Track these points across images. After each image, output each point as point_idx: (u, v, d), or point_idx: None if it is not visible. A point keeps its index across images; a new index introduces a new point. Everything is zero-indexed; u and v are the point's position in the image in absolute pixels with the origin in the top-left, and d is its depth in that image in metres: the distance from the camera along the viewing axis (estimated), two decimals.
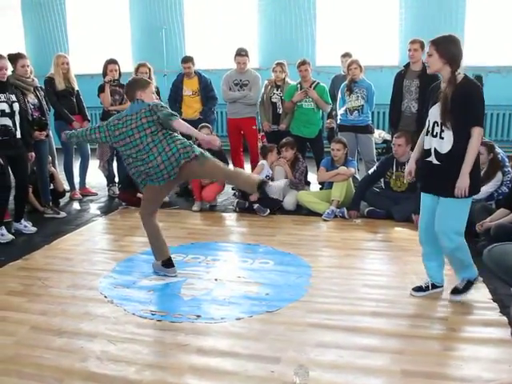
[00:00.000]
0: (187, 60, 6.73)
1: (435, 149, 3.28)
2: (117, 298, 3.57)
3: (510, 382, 1.43)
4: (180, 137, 3.85)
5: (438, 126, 3.25)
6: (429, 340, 2.95)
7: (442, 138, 3.23)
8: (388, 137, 8.90)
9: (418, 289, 3.57)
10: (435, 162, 3.30)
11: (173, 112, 3.82)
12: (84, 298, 3.58)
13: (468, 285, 3.49)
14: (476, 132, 3.16)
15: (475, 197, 4.72)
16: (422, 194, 3.51)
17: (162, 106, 3.80)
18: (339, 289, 3.69)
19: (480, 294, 3.54)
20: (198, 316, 3.29)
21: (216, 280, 3.89)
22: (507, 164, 5.05)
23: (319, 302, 3.47)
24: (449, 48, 3.21)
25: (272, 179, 6.18)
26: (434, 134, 3.27)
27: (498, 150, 5.06)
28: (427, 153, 3.36)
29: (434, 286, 3.57)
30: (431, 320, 3.19)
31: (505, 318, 3.16)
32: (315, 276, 3.95)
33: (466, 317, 3.22)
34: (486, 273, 3.82)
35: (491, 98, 8.08)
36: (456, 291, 3.49)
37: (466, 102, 3.16)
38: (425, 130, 3.41)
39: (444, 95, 3.20)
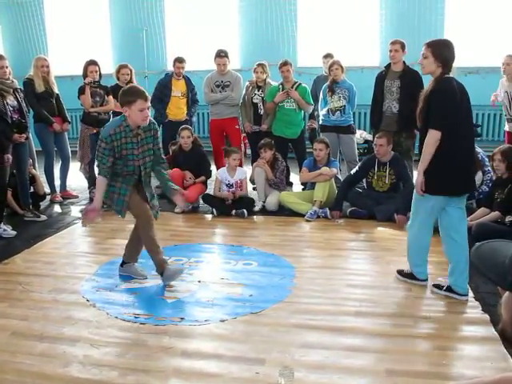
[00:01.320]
0: (182, 60, 6.81)
1: None
2: (99, 302, 3.53)
3: (492, 380, 1.44)
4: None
5: None
6: (412, 339, 2.97)
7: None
8: (369, 137, 8.95)
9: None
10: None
11: (102, 168, 3.64)
12: (66, 302, 3.53)
13: (409, 275, 3.74)
14: (430, 134, 3.29)
15: None
16: None
17: (101, 152, 3.59)
18: (323, 289, 3.70)
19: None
20: (182, 318, 3.27)
21: (199, 282, 3.87)
22: (487, 164, 5.12)
23: (303, 302, 3.48)
24: (444, 52, 3.32)
25: (253, 181, 6.20)
26: None
27: (478, 149, 5.12)
28: None
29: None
30: (414, 319, 3.21)
31: (487, 316, 3.20)
32: (299, 277, 3.95)
33: (449, 315, 3.25)
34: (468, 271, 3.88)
35: (470, 98, 8.24)
36: (400, 272, 3.82)
37: (428, 102, 3.30)
38: None
39: (424, 92, 3.34)
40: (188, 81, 6.90)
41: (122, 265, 4.02)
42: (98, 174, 3.72)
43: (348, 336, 3.01)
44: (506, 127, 6.06)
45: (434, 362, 2.73)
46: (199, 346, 2.94)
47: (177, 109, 6.80)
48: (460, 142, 3.34)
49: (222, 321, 3.23)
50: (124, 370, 2.69)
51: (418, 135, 5.95)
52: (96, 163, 3.72)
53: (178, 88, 6.81)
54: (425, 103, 3.31)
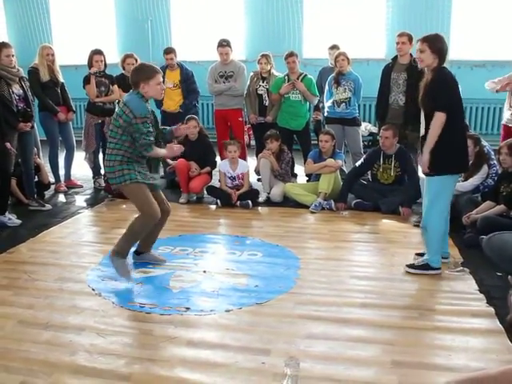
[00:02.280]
0: (170, 51, 6.69)
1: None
2: (105, 291, 3.54)
3: (497, 372, 1.44)
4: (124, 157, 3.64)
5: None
6: (418, 331, 2.97)
7: (420, 122, 3.68)
8: (374, 129, 8.94)
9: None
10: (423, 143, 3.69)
11: (150, 141, 3.61)
12: (71, 291, 3.54)
13: (424, 266, 3.77)
14: (436, 116, 3.50)
15: (460, 189, 4.81)
16: None
17: (145, 130, 3.55)
18: (328, 280, 3.70)
19: (467, 285, 3.58)
20: (188, 308, 3.27)
21: (204, 272, 3.87)
22: (493, 157, 5.10)
23: (308, 293, 3.48)
24: (439, 45, 3.58)
25: (258, 172, 6.19)
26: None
27: (484, 143, 5.10)
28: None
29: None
30: (420, 311, 3.20)
31: (492, 309, 3.19)
32: (303, 268, 3.95)
33: (454, 308, 3.24)
34: (472, 264, 3.89)
35: (476, 91, 8.20)
36: (411, 265, 3.82)
37: (432, 88, 3.55)
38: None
39: (424, 81, 3.61)
40: (182, 71, 6.73)
41: (137, 253, 4.03)
42: (146, 150, 3.62)
43: (353, 327, 3.01)
44: (505, 120, 5.84)
45: (439, 354, 2.73)
46: (204, 336, 2.94)
47: (169, 100, 6.68)
48: (462, 125, 3.71)
49: (228, 311, 3.24)
50: (130, 359, 2.69)
51: None
52: (144, 146, 3.60)
53: (171, 79, 6.68)
54: (425, 91, 3.57)
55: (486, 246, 3.08)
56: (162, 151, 3.90)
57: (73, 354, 2.74)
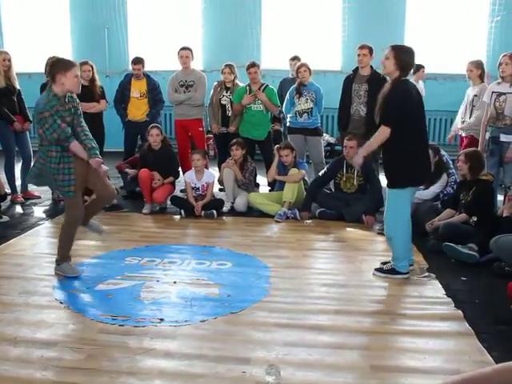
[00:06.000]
0: (138, 61, 6.61)
1: None
2: (73, 304, 3.44)
3: (491, 371, 1.49)
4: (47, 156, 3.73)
5: None
6: (392, 335, 3.04)
7: None
8: (332, 140, 9.11)
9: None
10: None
11: (65, 136, 3.65)
12: (38, 305, 3.41)
13: (391, 271, 3.90)
14: (381, 129, 3.65)
15: (421, 197, 4.96)
16: None
17: (50, 123, 3.61)
18: (299, 288, 3.73)
19: (434, 289, 3.70)
20: (162, 319, 3.22)
21: (175, 283, 3.82)
22: (451, 166, 5.30)
23: (281, 301, 3.49)
24: (404, 57, 3.63)
25: (221, 182, 6.18)
26: None
27: (443, 153, 5.30)
28: None
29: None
30: (391, 316, 3.28)
31: (460, 312, 3.31)
32: (274, 276, 3.96)
33: (424, 312, 3.33)
34: (437, 270, 4.01)
35: (427, 103, 8.51)
36: (380, 269, 3.96)
37: (383, 101, 3.66)
38: None
39: (381, 92, 3.67)
40: (149, 81, 6.72)
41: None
42: (67, 141, 3.66)
43: (329, 334, 3.04)
44: (463, 132, 5.89)
45: (414, 357, 2.80)
46: (182, 347, 2.90)
47: (136, 110, 6.64)
48: (420, 137, 3.75)
49: (203, 321, 3.21)
50: (108, 373, 2.62)
51: None
52: (55, 136, 3.64)
53: (137, 88, 6.64)
54: (382, 102, 3.63)
55: (493, 247, 3.58)
56: (84, 153, 3.77)
57: (45, 370, 2.64)
